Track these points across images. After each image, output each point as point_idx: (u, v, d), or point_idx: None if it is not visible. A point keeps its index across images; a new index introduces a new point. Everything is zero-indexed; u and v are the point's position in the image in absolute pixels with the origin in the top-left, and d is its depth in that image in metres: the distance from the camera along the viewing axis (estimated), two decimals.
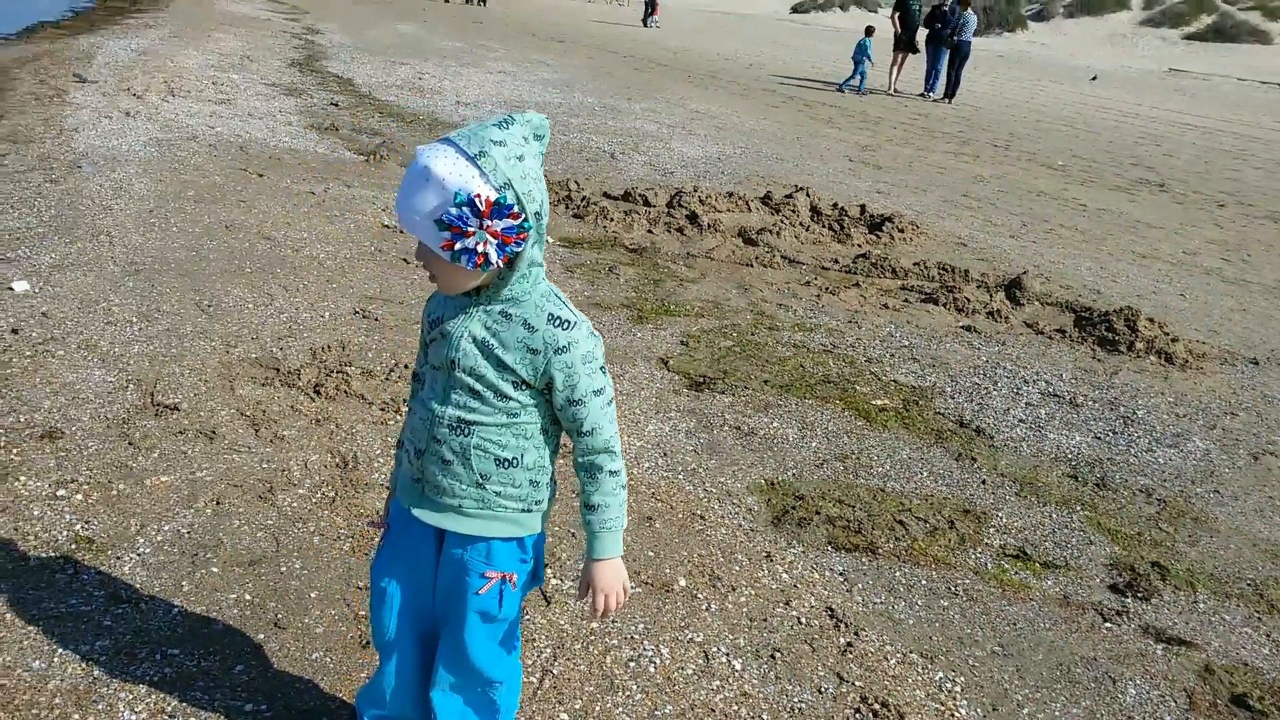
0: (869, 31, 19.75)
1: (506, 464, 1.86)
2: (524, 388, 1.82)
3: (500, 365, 1.80)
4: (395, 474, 2.11)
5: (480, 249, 1.67)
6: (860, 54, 19.30)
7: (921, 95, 20.04)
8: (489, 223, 1.66)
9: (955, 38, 19.22)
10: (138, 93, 10.55)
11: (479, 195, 1.65)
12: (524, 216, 1.71)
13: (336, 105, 11.52)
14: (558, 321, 1.80)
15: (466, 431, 1.83)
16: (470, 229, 1.66)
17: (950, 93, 19.52)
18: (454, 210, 1.65)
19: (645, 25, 33.28)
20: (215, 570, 2.96)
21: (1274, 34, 44.61)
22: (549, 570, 3.12)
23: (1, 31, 15.88)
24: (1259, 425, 5.01)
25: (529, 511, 1.93)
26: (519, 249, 1.73)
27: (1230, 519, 4.05)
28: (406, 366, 4.45)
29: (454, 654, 2.03)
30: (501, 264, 1.72)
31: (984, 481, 4.12)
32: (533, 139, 1.75)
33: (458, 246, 1.67)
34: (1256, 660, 3.18)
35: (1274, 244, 9.48)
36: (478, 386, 1.81)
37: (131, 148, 8.03)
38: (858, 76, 19.55)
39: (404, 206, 1.70)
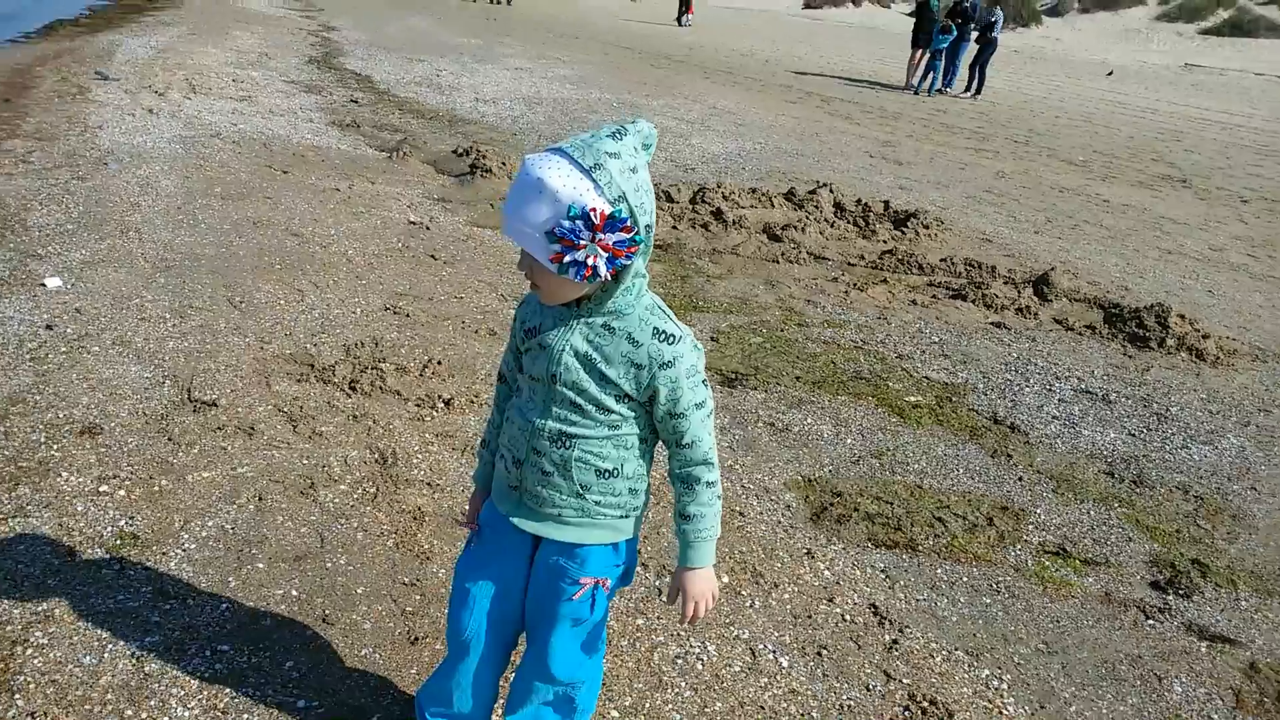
0: (945, 28, 19.16)
1: (607, 475, 1.85)
2: (626, 401, 1.81)
3: (603, 379, 1.78)
4: (480, 473, 2.10)
5: (590, 262, 1.65)
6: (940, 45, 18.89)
7: (939, 91, 19.95)
8: (601, 236, 1.64)
9: (988, 33, 19.06)
10: (159, 90, 10.59)
11: (594, 209, 1.62)
12: (636, 230, 1.68)
13: (356, 102, 11.53)
14: (663, 336, 1.77)
15: (568, 444, 1.82)
16: (582, 242, 1.63)
17: (978, 88, 19.34)
18: (567, 223, 1.62)
19: (680, 24, 32.91)
20: (261, 566, 2.97)
21: None
22: None
23: (21, 30, 15.94)
24: None
25: (626, 518, 1.93)
26: (628, 262, 1.70)
27: (1268, 516, 4.02)
28: (440, 363, 4.46)
29: (540, 656, 2.03)
30: (609, 277, 1.70)
31: (1021, 478, 4.10)
32: (642, 149, 1.72)
33: (567, 259, 1.64)
34: None
35: None
36: (579, 400, 1.79)
37: (156, 144, 8.05)
38: (932, 72, 19.26)
39: (513, 217, 1.67)
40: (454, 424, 4.00)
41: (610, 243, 1.65)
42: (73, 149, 7.61)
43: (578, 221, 1.62)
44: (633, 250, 1.69)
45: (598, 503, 1.87)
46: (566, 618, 1.97)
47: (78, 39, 14.69)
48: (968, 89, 19.43)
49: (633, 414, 1.83)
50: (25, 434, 3.53)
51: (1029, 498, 3.95)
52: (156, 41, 14.66)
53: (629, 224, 1.66)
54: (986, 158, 12.28)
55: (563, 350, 1.78)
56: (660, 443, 1.94)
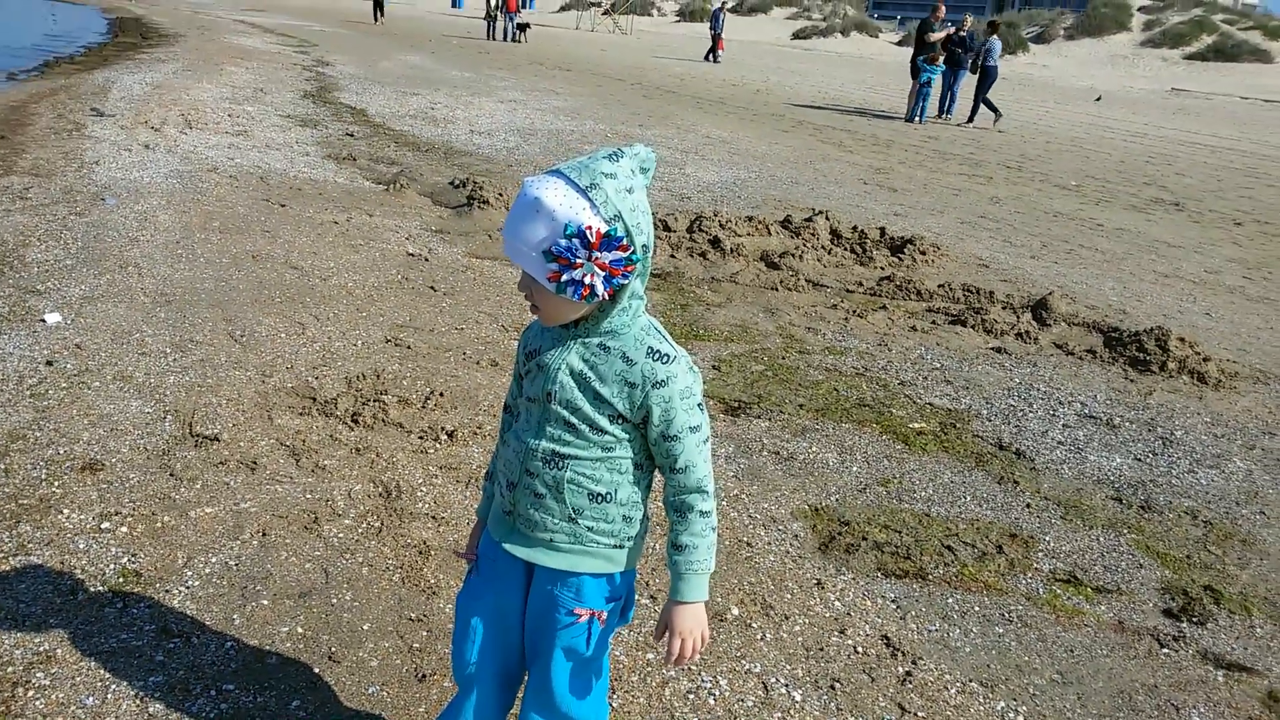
0: (931, 59, 19.25)
1: (600, 499, 1.83)
2: (620, 421, 1.79)
3: (597, 398, 1.77)
4: (482, 506, 2.08)
5: (587, 280, 1.65)
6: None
7: (937, 118, 20.08)
8: (598, 255, 1.64)
9: (984, 63, 19.20)
10: (155, 125, 10.63)
11: (589, 227, 1.62)
12: (633, 249, 1.68)
13: (352, 135, 11.58)
14: (657, 355, 1.76)
15: (560, 465, 1.80)
16: (579, 260, 1.63)
17: (972, 115, 19.43)
18: (563, 241, 1.62)
19: (708, 60, 32.82)
20: (265, 603, 2.93)
21: (1275, 53, 44.70)
22: None
23: (17, 67, 15.99)
24: None
25: (620, 548, 1.89)
26: (625, 281, 1.70)
27: (1279, 541, 3.99)
28: (442, 395, 4.43)
29: (539, 690, 1.99)
30: (606, 296, 1.70)
31: (1028, 505, 4.08)
32: (639, 172, 1.73)
33: (565, 278, 1.65)
34: None
35: None
36: (573, 419, 1.78)
37: (153, 180, 8.06)
38: (923, 100, 19.34)
39: (511, 236, 1.68)
40: (458, 456, 3.97)
41: (607, 261, 1.65)
42: (70, 185, 7.62)
43: (574, 240, 1.62)
44: (629, 269, 1.69)
45: (590, 528, 1.84)
46: (562, 649, 1.93)
47: (73, 76, 14.77)
48: (970, 119, 19.49)
49: (627, 436, 1.82)
50: (26, 471, 3.49)
51: (1037, 524, 3.93)
52: (151, 78, 14.73)
53: (625, 242, 1.67)
54: (979, 183, 12.35)
55: (559, 369, 1.78)
56: (658, 472, 1.91)
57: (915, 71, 19.46)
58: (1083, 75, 41.43)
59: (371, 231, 7.22)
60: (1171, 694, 3.00)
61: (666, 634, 1.89)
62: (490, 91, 17.49)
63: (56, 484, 3.44)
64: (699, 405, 1.82)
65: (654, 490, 1.96)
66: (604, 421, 1.78)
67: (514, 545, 1.90)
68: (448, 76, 19.65)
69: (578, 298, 1.67)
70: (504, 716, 2.12)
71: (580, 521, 1.83)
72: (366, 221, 7.50)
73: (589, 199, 1.64)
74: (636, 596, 3.13)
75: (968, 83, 20.27)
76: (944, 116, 20.20)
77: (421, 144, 11.44)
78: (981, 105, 19.34)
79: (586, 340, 1.78)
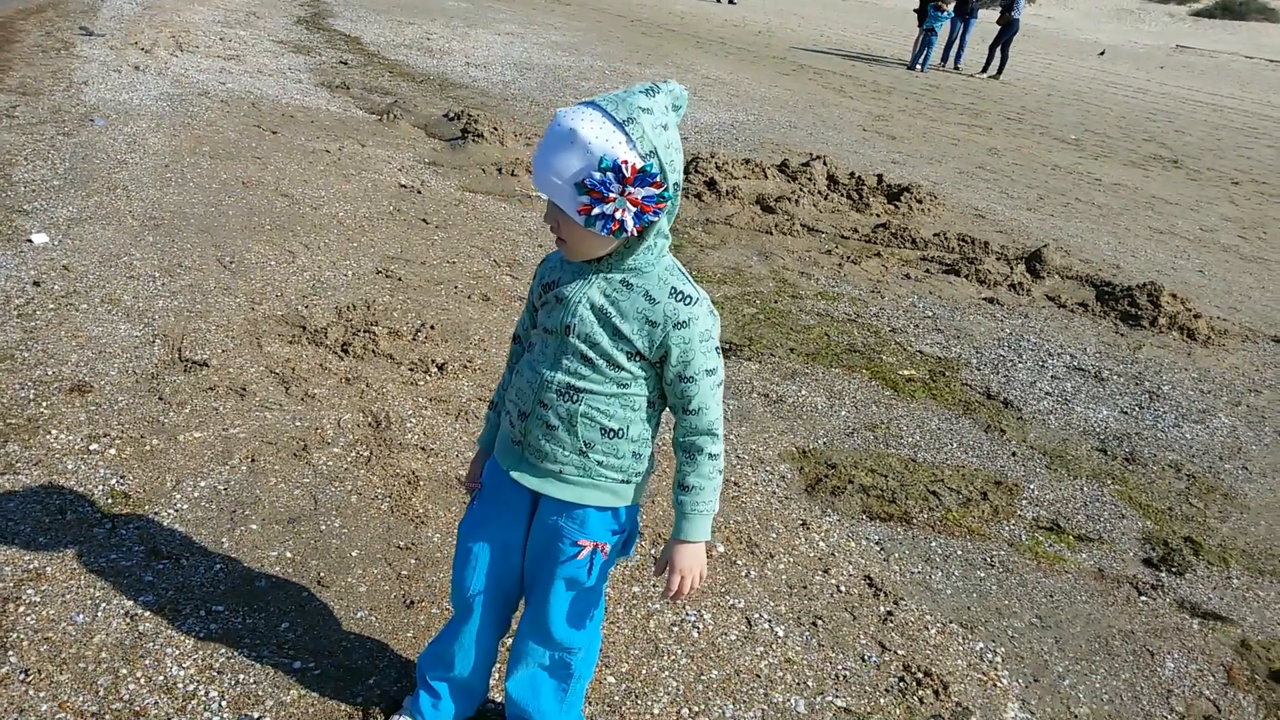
0: (939, 6, 18.80)
1: (612, 434, 1.83)
2: (637, 359, 1.79)
3: (616, 334, 1.77)
4: (485, 436, 2.09)
5: (618, 215, 1.64)
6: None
7: (942, 67, 19.83)
8: (631, 190, 1.63)
9: (1008, 13, 18.82)
10: (145, 47, 10.41)
11: (625, 161, 1.61)
12: (665, 186, 1.67)
13: (346, 64, 11.38)
14: (680, 296, 1.76)
15: (575, 398, 1.80)
16: (611, 195, 1.62)
17: (1000, 69, 19.11)
18: (598, 175, 1.61)
19: (719, 1, 31.75)
20: (254, 527, 2.94)
21: None
22: None
23: None
24: None
25: (628, 483, 1.91)
26: (654, 219, 1.69)
27: (1260, 496, 4.04)
28: (433, 328, 4.41)
29: (536, 617, 2.02)
30: (635, 232, 1.68)
31: (1014, 454, 4.11)
32: (672, 109, 1.71)
33: (595, 211, 1.63)
34: None
35: None
36: (591, 354, 1.78)
37: (143, 102, 7.92)
38: (927, 49, 18.99)
39: (542, 167, 1.66)
40: (447, 389, 3.97)
41: (639, 197, 1.64)
42: (58, 104, 7.48)
43: (609, 174, 1.61)
44: (661, 206, 1.68)
45: (600, 463, 1.85)
46: (563, 579, 1.95)
47: None
48: (985, 69, 19.23)
49: (643, 374, 1.82)
50: (14, 391, 3.48)
51: (1022, 473, 3.96)
52: None
53: (659, 179, 1.65)
54: (979, 134, 12.25)
55: (579, 302, 1.77)
56: (667, 410, 1.91)
57: (922, 17, 19.11)
58: (1088, 28, 40.95)
59: (364, 162, 7.13)
60: (1147, 640, 3.05)
61: (667, 570, 1.91)
62: (487, 23, 17.17)
63: (44, 404, 3.42)
64: (716, 349, 1.82)
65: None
66: (621, 358, 1.78)
67: (522, 474, 1.91)
68: (444, 6, 19.27)
69: (606, 232, 1.66)
70: (499, 641, 2.15)
71: (590, 455, 1.84)
72: (359, 151, 7.40)
73: (625, 133, 1.62)
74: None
75: (978, 32, 19.91)
76: (944, 65, 19.93)
77: (416, 75, 11.25)
78: (996, 53, 19.03)
79: (609, 275, 1.77)
